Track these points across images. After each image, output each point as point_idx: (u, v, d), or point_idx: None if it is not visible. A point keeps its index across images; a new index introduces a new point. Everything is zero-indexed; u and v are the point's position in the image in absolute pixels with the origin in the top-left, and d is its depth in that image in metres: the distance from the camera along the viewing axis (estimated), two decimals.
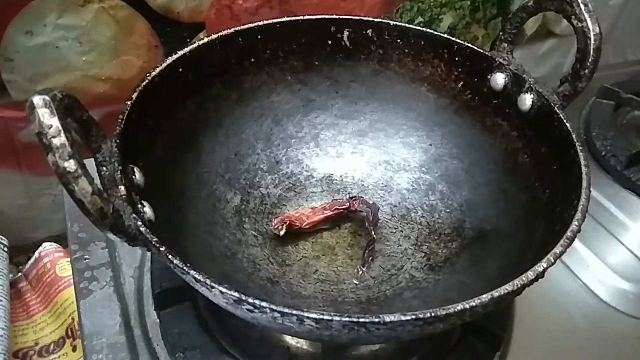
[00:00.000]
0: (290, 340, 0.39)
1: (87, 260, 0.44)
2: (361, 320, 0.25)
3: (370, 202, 0.45)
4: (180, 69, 0.40)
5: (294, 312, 0.25)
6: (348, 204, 0.44)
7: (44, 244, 0.65)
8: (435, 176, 0.46)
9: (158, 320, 0.40)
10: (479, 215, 0.42)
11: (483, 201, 0.42)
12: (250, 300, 0.25)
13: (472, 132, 0.44)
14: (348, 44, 0.47)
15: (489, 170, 0.43)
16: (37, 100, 0.25)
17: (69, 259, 0.63)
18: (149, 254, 0.45)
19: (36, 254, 0.65)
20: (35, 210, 0.67)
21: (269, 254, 0.41)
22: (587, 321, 0.45)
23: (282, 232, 0.42)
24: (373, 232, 0.42)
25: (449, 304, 0.26)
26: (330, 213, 0.44)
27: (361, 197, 0.45)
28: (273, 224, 0.43)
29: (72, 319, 0.60)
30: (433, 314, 0.25)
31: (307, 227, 0.43)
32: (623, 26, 0.88)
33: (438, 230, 0.43)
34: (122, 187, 0.30)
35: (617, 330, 0.45)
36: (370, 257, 0.42)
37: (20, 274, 0.66)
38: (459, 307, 0.25)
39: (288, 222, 0.42)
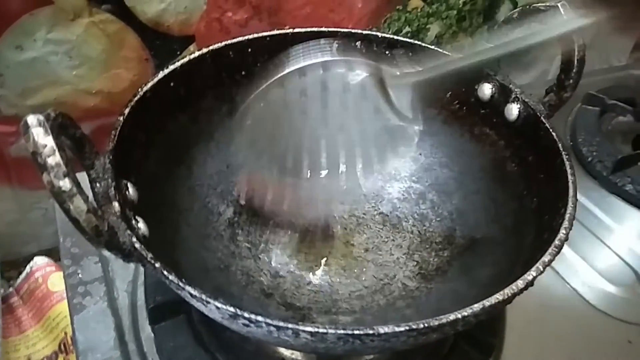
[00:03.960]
0: (285, 352, 0.39)
1: (80, 276, 0.44)
2: (356, 332, 0.25)
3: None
4: (172, 83, 0.40)
5: (290, 325, 0.25)
6: None
7: (35, 259, 0.65)
8: (426, 185, 0.46)
9: (153, 334, 0.40)
10: (469, 224, 0.42)
11: (473, 209, 0.43)
12: (246, 315, 0.25)
13: (461, 141, 0.45)
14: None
15: (478, 179, 0.43)
16: (32, 119, 0.25)
17: (60, 273, 0.63)
18: (142, 268, 0.45)
19: (27, 268, 0.65)
20: (25, 225, 0.67)
21: (263, 265, 0.42)
22: (578, 326, 0.46)
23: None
24: None
25: (442, 313, 0.26)
26: None
27: None
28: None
29: (65, 333, 0.59)
30: (426, 325, 0.25)
31: None
32: (607, 33, 0.90)
33: (429, 239, 0.44)
34: (116, 204, 0.30)
35: (607, 335, 0.46)
36: None
37: (11, 289, 0.66)
38: (452, 317, 0.26)
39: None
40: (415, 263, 0.42)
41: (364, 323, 0.37)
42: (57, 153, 0.25)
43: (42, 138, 0.25)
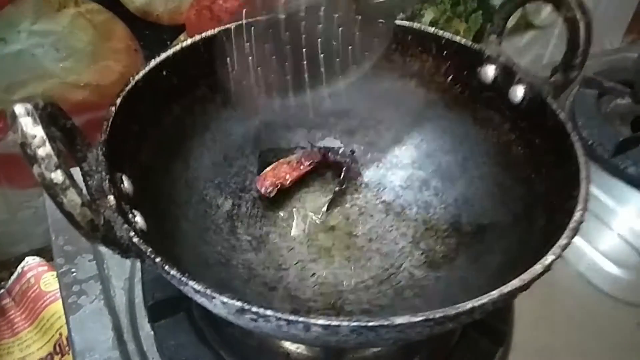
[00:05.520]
0: (289, 346, 0.38)
1: (74, 274, 0.43)
2: (370, 324, 0.24)
3: (348, 153, 0.46)
4: (164, 72, 0.39)
5: (300, 319, 0.24)
6: (322, 155, 0.46)
7: (27, 259, 0.63)
8: (428, 172, 0.45)
9: (152, 332, 0.39)
10: (475, 210, 0.41)
11: (479, 195, 0.42)
12: (253, 309, 0.24)
13: (464, 126, 0.44)
14: None
15: (482, 164, 0.42)
16: (19, 109, 0.24)
17: (53, 273, 0.61)
18: (138, 264, 0.43)
19: (19, 269, 0.63)
20: (15, 224, 0.65)
21: (265, 258, 0.40)
22: (586, 310, 0.45)
23: (273, 194, 0.43)
24: (343, 177, 0.44)
25: (452, 302, 0.25)
26: (309, 167, 0.45)
27: (333, 148, 0.46)
28: (263, 189, 0.43)
29: (60, 334, 0.58)
30: (443, 314, 0.24)
31: (289, 184, 0.44)
32: (601, 16, 0.89)
33: (434, 226, 0.43)
34: (111, 197, 0.29)
35: (615, 318, 0.45)
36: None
37: (3, 290, 0.64)
38: (469, 305, 0.25)
39: (279, 184, 0.43)
40: (421, 252, 0.41)
41: (372, 314, 0.36)
42: (47, 144, 0.24)
43: (31, 128, 0.24)
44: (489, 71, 0.42)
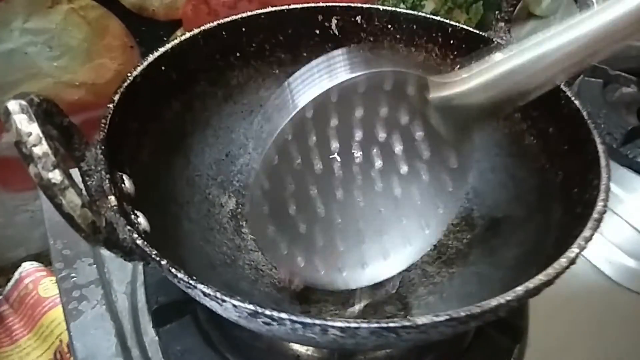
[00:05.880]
0: (299, 348, 0.37)
1: (74, 279, 0.41)
2: (391, 325, 0.22)
3: None
4: (163, 67, 0.38)
5: (317, 321, 0.23)
6: None
7: (24, 264, 0.62)
8: None
9: (157, 337, 0.38)
10: (487, 203, 0.40)
11: (490, 188, 0.40)
12: (267, 312, 0.23)
13: None
14: (337, 32, 0.45)
15: (493, 155, 0.41)
16: (13, 105, 0.23)
17: (52, 278, 0.59)
18: (140, 267, 0.42)
19: (16, 274, 0.61)
20: (12, 229, 0.63)
21: None
22: (601, 302, 0.44)
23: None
24: None
25: (468, 298, 0.24)
26: None
27: None
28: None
29: (60, 341, 0.56)
30: (468, 313, 0.23)
31: None
32: None
33: None
34: (112, 198, 0.27)
35: (630, 310, 0.44)
36: None
37: (0, 296, 0.62)
38: (494, 302, 0.23)
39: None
40: (433, 247, 0.40)
41: (385, 313, 0.35)
42: (44, 142, 0.22)
43: (26, 125, 0.23)
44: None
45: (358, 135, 0.31)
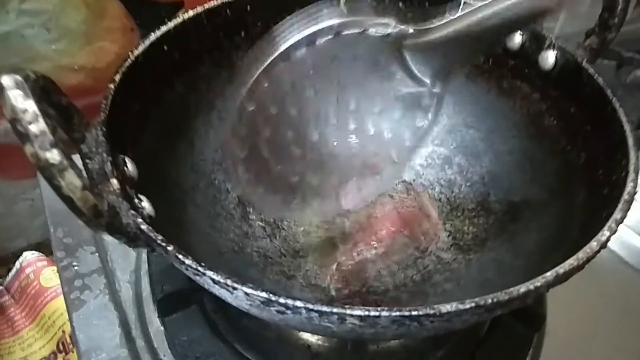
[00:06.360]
0: (310, 337, 0.36)
1: (76, 268, 0.40)
2: (414, 313, 0.21)
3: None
4: (166, 47, 0.36)
5: (335, 310, 0.21)
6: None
7: (25, 254, 0.61)
8: (451, 148, 0.42)
9: (163, 327, 0.36)
10: (504, 187, 0.39)
11: (507, 171, 0.39)
12: (281, 300, 0.21)
13: (488, 97, 0.41)
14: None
15: (510, 137, 0.39)
16: (7, 80, 0.21)
17: (53, 268, 0.58)
18: (144, 255, 0.41)
19: (17, 264, 0.60)
20: (11, 218, 0.62)
21: (280, 245, 0.38)
22: (620, 289, 0.43)
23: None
24: None
25: (487, 285, 0.23)
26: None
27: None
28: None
29: (63, 331, 0.55)
30: (495, 300, 0.21)
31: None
32: None
33: (460, 206, 0.40)
34: (114, 180, 0.26)
35: None
36: None
37: (1, 287, 0.61)
38: (522, 289, 0.22)
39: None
40: (448, 233, 0.38)
41: (400, 301, 0.34)
42: (40, 119, 0.21)
43: (22, 102, 0.21)
44: (516, 37, 0.38)
45: (336, 81, 0.33)
